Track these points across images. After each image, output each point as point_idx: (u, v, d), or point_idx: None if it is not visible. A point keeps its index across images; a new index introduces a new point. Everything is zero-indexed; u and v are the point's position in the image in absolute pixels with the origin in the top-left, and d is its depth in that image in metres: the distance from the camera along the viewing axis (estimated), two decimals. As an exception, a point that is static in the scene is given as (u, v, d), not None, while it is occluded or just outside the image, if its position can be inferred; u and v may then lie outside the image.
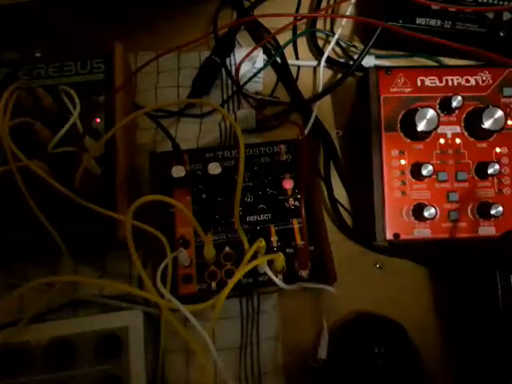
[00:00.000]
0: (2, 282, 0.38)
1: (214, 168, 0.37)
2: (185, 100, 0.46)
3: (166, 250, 0.34)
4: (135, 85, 0.47)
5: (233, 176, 0.38)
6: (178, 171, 0.37)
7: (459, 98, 0.37)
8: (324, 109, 0.47)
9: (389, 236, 0.37)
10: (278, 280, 0.33)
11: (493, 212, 0.36)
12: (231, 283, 0.29)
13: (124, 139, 0.39)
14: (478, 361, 0.36)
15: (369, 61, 0.48)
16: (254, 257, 0.33)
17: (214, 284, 0.36)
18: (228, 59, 0.48)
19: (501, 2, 0.46)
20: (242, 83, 0.47)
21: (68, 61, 0.42)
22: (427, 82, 0.39)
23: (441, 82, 0.39)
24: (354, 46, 0.49)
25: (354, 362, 0.35)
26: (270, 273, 0.32)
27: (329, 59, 0.48)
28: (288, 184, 0.40)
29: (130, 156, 0.41)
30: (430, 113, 0.36)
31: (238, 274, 0.30)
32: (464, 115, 0.38)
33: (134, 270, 0.39)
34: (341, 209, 0.43)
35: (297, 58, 0.50)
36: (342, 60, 0.49)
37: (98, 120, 0.40)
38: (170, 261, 0.34)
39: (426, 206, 0.36)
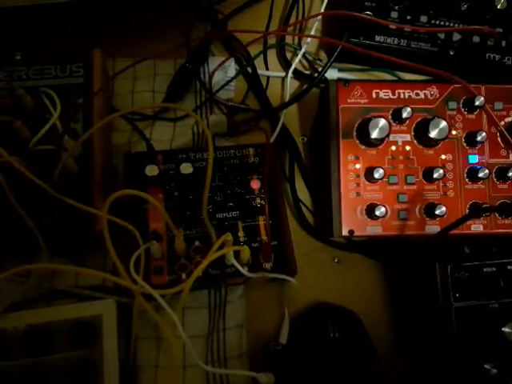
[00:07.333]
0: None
1: (186, 168, 0.40)
2: (160, 104, 0.49)
3: (138, 244, 0.37)
4: (112, 89, 0.50)
5: (203, 176, 0.41)
6: (152, 170, 0.40)
7: (409, 109, 0.41)
8: (291, 116, 0.51)
9: (344, 232, 0.41)
10: (242, 268, 0.36)
11: (437, 212, 0.40)
12: (199, 269, 0.32)
13: (100, 140, 0.42)
14: (422, 351, 0.40)
15: (332, 73, 0.51)
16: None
17: (184, 275, 0.38)
18: (202, 67, 0.51)
19: (451, 24, 0.51)
20: (214, 90, 0.50)
21: (48, 64, 0.44)
22: (381, 95, 0.43)
23: (393, 94, 0.43)
24: (320, 60, 0.53)
25: (311, 346, 0.38)
26: (235, 262, 0.35)
27: (296, 71, 0.52)
28: (255, 184, 0.43)
29: (106, 156, 0.43)
30: (382, 122, 0.40)
31: (206, 261, 0.33)
32: (414, 125, 0.43)
33: (108, 263, 0.41)
34: (303, 208, 0.47)
35: (267, 69, 0.53)
36: (307, 72, 0.53)
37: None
38: (143, 252, 0.36)
39: (377, 205, 0.40)
